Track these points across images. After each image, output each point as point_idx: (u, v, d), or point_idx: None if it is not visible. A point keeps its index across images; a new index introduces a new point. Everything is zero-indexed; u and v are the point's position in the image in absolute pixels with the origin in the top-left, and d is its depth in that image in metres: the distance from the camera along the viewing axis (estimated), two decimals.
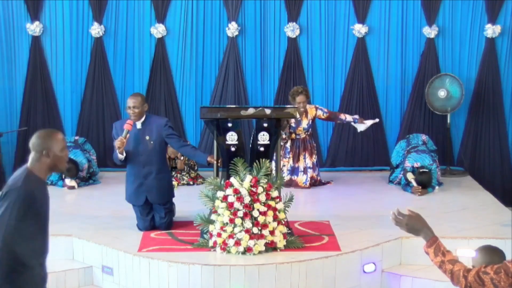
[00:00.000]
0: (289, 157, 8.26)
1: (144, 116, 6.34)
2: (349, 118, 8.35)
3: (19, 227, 3.64)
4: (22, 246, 3.67)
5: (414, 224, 3.33)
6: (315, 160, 8.37)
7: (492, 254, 3.47)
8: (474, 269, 3.20)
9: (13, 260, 3.67)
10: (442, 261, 3.24)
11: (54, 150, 3.75)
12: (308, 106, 8.24)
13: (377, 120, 8.53)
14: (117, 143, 6.07)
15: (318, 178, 8.42)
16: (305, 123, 8.24)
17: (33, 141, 3.80)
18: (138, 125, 6.29)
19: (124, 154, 6.17)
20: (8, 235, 3.62)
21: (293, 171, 8.26)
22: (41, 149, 3.75)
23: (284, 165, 8.20)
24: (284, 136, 8.12)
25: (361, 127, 8.38)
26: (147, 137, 6.27)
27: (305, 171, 8.25)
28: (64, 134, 8.99)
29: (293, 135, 8.25)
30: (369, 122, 8.36)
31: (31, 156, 3.80)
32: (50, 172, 3.86)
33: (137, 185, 6.31)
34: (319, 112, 8.29)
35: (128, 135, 6.11)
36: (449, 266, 3.22)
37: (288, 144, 8.26)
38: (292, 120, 7.99)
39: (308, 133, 8.35)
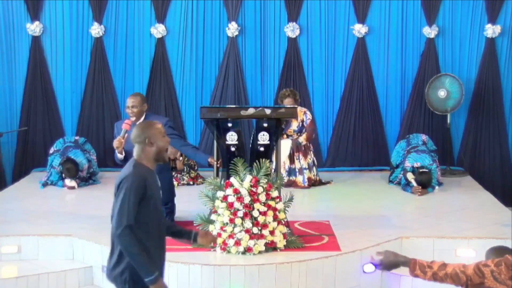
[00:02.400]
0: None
1: (144, 115, 6.32)
2: (300, 139, 8.22)
3: (137, 212, 3.70)
4: (139, 231, 3.72)
5: (388, 259, 3.32)
6: (310, 161, 8.34)
7: (506, 253, 3.47)
8: (473, 263, 3.20)
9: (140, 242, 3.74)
10: (434, 273, 3.23)
11: (155, 137, 3.83)
12: (298, 109, 8.17)
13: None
14: (115, 143, 6.03)
15: (317, 178, 8.41)
16: (295, 125, 8.24)
17: (134, 134, 3.88)
18: None
19: (124, 154, 6.16)
20: (131, 219, 3.66)
21: (290, 172, 8.26)
22: (143, 138, 3.83)
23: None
24: None
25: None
26: None
27: (300, 171, 8.25)
28: (64, 134, 9.13)
29: (284, 136, 8.20)
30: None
31: (135, 150, 3.88)
32: (156, 162, 3.88)
33: None
34: (304, 118, 8.26)
35: (126, 135, 6.08)
36: (443, 272, 3.21)
37: None
38: None
39: (301, 134, 8.32)
